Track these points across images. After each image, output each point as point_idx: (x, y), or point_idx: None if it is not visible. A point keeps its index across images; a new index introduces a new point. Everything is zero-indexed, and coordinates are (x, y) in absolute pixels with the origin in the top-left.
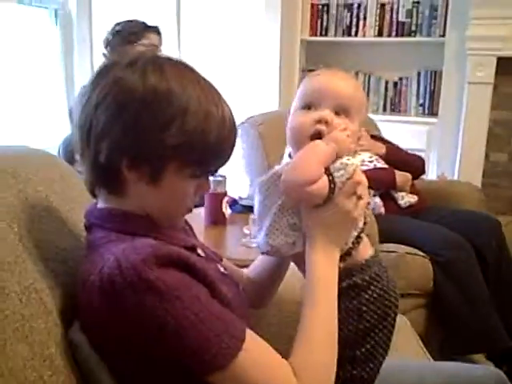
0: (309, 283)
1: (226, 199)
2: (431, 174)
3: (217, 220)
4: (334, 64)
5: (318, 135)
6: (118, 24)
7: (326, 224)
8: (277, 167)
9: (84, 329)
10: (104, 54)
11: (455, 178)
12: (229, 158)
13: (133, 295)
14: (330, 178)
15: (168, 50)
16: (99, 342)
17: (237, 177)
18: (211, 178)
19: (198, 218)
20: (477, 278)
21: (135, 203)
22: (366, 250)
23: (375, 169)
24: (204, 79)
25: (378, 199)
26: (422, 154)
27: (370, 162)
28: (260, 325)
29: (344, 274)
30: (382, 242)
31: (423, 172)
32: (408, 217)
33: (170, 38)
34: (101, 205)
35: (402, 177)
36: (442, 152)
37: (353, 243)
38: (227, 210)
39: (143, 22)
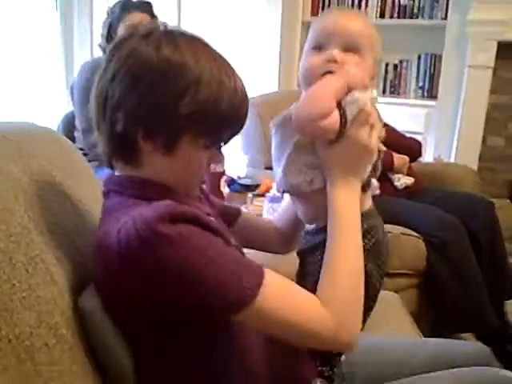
0: (332, 219)
1: (224, 178)
2: (428, 156)
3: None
4: None
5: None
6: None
7: (343, 159)
8: (291, 107)
9: (100, 293)
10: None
11: (452, 160)
12: (241, 127)
13: (151, 252)
14: (342, 112)
15: None
16: (117, 305)
17: (235, 156)
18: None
19: None
20: (470, 259)
21: (151, 173)
22: (365, 201)
23: None
24: (216, 52)
25: (374, 180)
26: (420, 137)
27: None
28: None
29: None
30: None
31: (420, 155)
32: (403, 198)
33: (171, 19)
34: (118, 173)
35: (399, 159)
36: (439, 135)
37: (371, 172)
38: (225, 189)
39: (125, 1)
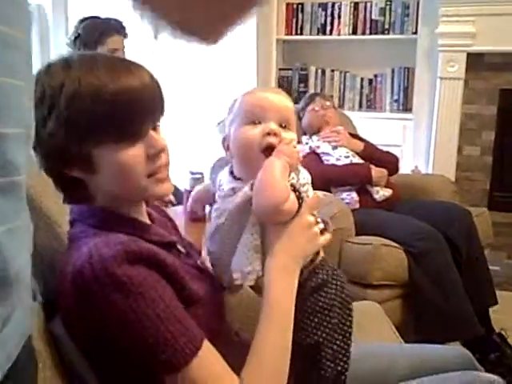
0: (265, 302)
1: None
2: (406, 168)
3: (196, 217)
4: (310, 62)
5: (270, 148)
6: (81, 22)
7: (291, 237)
8: (239, 196)
9: (63, 320)
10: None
11: (430, 171)
12: (147, 113)
13: (99, 289)
14: (297, 193)
15: (144, 49)
16: (75, 332)
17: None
18: (189, 176)
19: (177, 215)
20: (449, 267)
21: (103, 199)
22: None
23: (352, 164)
24: (96, 56)
25: (354, 194)
26: (398, 149)
27: (347, 157)
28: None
29: (311, 274)
30: (357, 234)
31: (397, 170)
32: (382, 210)
33: (146, 37)
34: None
35: (378, 172)
36: (416, 146)
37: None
38: (206, 207)
39: (105, 23)
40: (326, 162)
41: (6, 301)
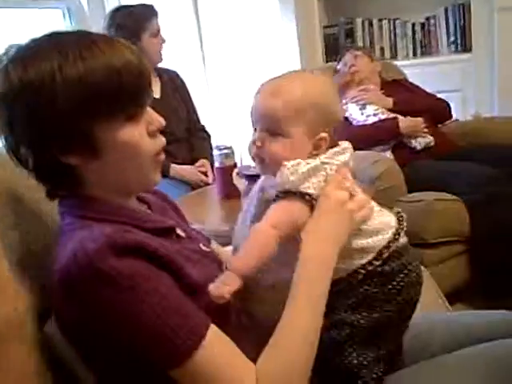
0: (293, 284)
1: (235, 171)
2: (468, 114)
3: (229, 193)
4: (355, 15)
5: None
6: (116, 11)
7: (319, 218)
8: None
9: (55, 319)
10: None
11: (495, 114)
12: (147, 87)
13: (88, 286)
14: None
15: (190, 51)
16: (69, 332)
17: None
18: (216, 152)
19: (211, 193)
20: None
21: (94, 187)
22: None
23: (374, 123)
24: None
25: (388, 153)
26: (458, 94)
27: (375, 115)
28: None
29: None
30: (411, 191)
31: (449, 116)
32: (432, 160)
33: (191, 35)
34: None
35: (407, 122)
36: (478, 89)
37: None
38: (244, 181)
39: (145, 8)
40: (355, 124)
41: None
